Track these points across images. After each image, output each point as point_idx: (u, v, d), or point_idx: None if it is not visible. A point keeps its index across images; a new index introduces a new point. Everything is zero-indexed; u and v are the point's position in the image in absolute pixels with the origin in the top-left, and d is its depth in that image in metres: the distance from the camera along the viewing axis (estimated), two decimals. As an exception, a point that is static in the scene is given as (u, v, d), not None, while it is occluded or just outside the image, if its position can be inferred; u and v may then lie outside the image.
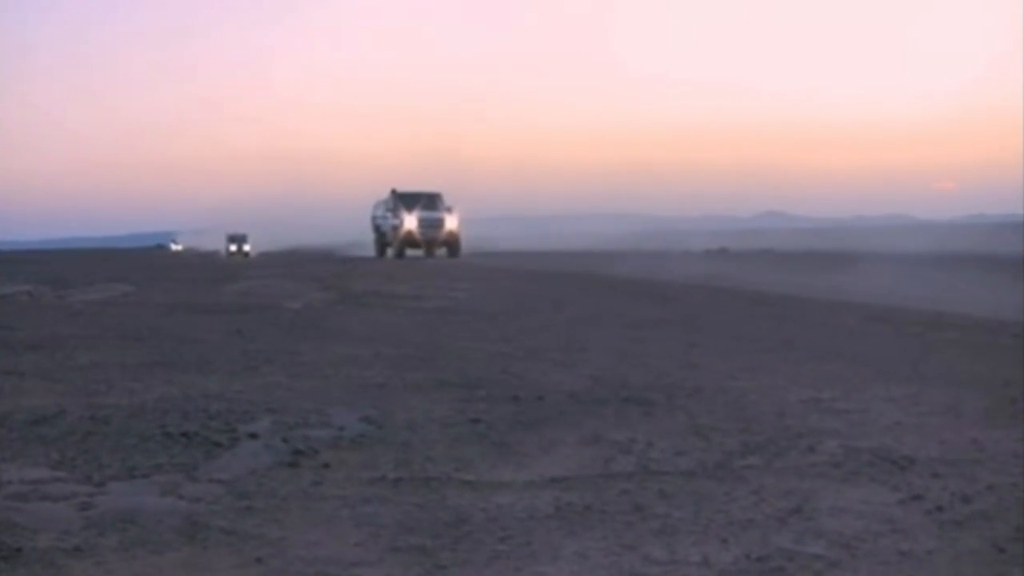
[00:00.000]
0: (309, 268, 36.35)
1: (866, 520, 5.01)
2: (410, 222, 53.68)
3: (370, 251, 59.54)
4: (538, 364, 10.17)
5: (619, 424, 7.23)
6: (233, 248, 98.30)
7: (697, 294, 20.56)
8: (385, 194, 58.49)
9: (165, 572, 4.38)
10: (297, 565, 4.43)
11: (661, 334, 13.12)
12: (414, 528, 4.92)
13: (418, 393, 8.51)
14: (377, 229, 58.39)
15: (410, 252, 54.37)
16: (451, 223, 54.21)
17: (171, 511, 5.19)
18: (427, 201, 55.71)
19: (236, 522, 5.01)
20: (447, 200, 56.72)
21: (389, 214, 55.48)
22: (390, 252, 54.48)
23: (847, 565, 4.41)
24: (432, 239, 53.60)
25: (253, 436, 6.79)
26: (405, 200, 55.67)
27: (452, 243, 54.09)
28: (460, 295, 20.58)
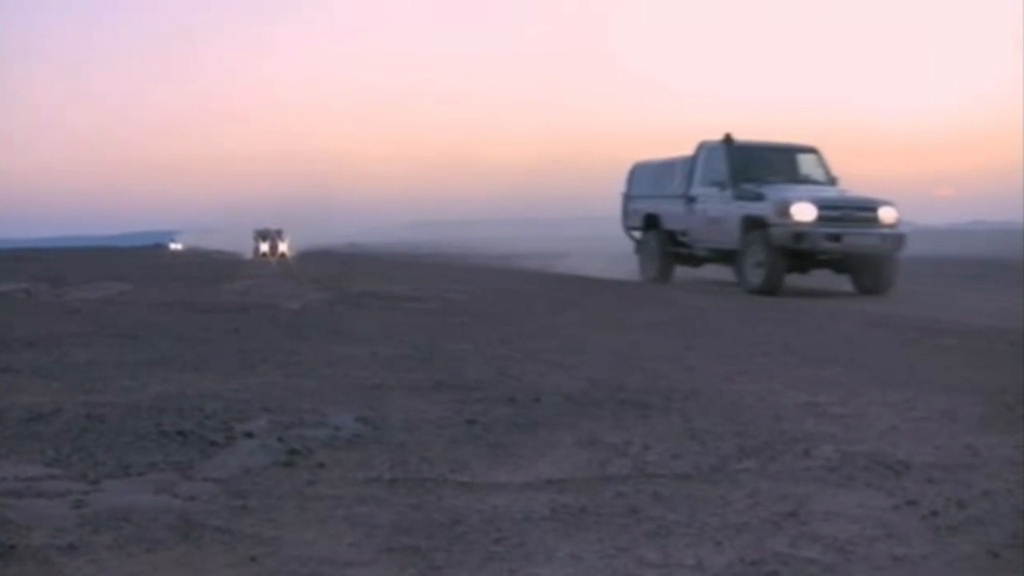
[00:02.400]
0: (308, 268, 36.36)
1: (861, 525, 5.02)
2: (802, 211, 22.00)
3: (575, 265, 33.83)
4: (535, 366, 10.16)
5: (615, 426, 7.23)
6: (264, 248, 79.99)
7: (694, 297, 20.54)
8: (661, 154, 27.78)
9: (159, 570, 4.38)
10: (291, 565, 4.43)
11: (659, 336, 13.12)
12: (409, 529, 4.92)
13: (415, 394, 8.51)
14: (652, 225, 27.17)
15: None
16: (889, 214, 22.58)
17: (166, 509, 5.19)
18: (804, 166, 25.25)
19: (231, 521, 5.01)
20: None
21: (714, 190, 24.39)
22: (754, 281, 22.35)
23: (841, 569, 4.41)
24: (850, 250, 22.20)
25: (249, 435, 6.79)
26: (763, 160, 24.71)
27: (888, 262, 22.77)
28: (458, 296, 20.57)
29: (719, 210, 23.83)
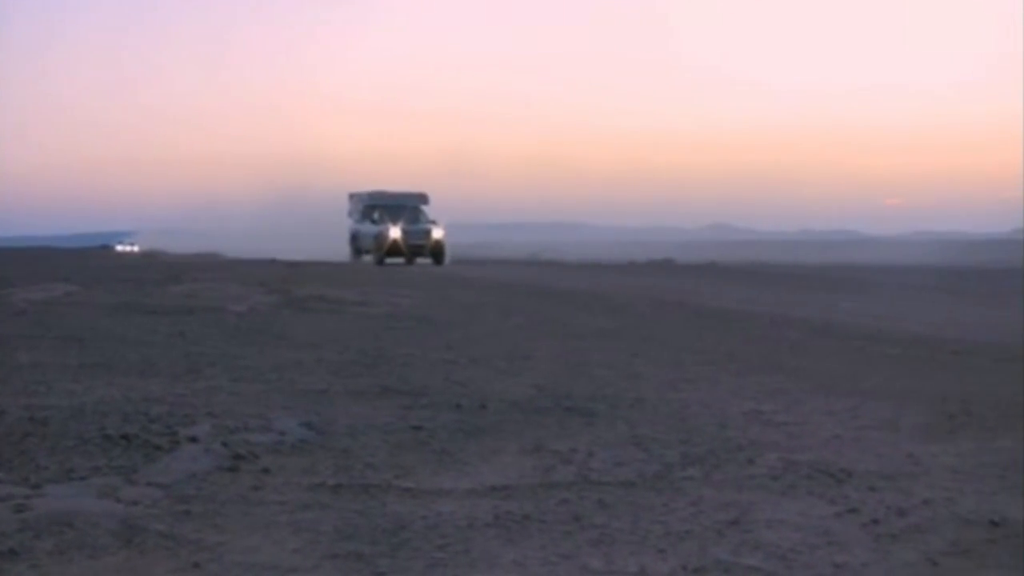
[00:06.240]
0: (255, 271, 36.17)
1: (803, 532, 5.06)
2: None
3: None
4: (481, 372, 10.17)
5: (561, 434, 7.25)
6: (395, 235, 44.00)
7: (641, 305, 20.61)
8: None
9: (101, 576, 4.36)
10: (234, 571, 4.42)
11: (605, 344, 13.15)
12: (353, 535, 4.92)
13: (360, 399, 8.50)
14: None
15: None
16: None
17: (108, 514, 5.16)
18: None
19: (174, 526, 5.00)
20: None
21: None
22: None
23: (782, 577, 4.46)
24: None
25: (193, 440, 6.76)
26: None
27: None
28: (405, 302, 20.53)
29: None
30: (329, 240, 50.03)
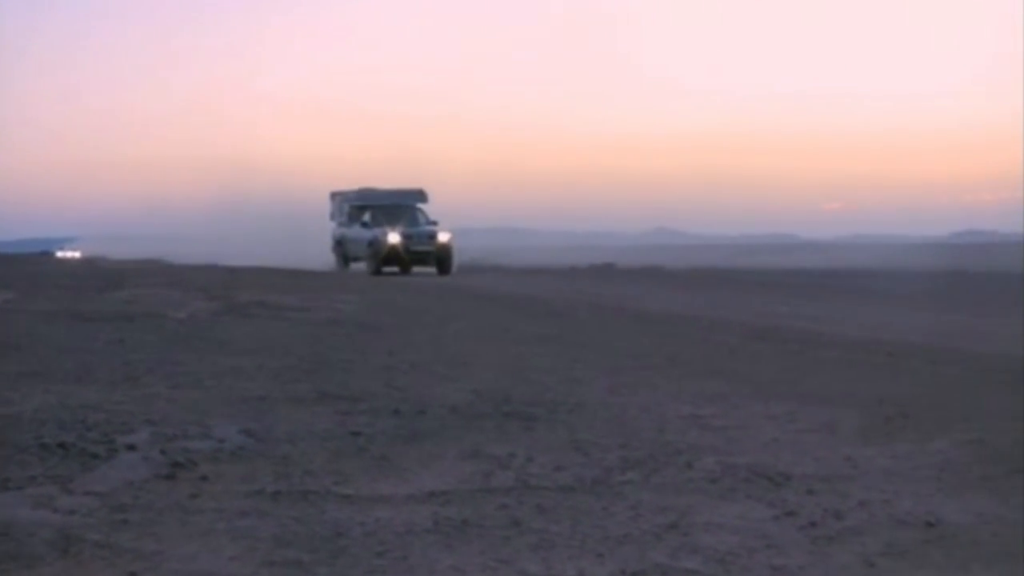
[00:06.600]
0: (197, 277, 35.95)
1: (741, 536, 5.09)
2: None
3: None
4: (421, 377, 10.16)
5: (500, 439, 7.26)
6: (394, 239, 38.11)
7: (582, 310, 20.67)
8: None
9: (36, 586, 4.33)
10: (171, 579, 4.40)
11: (545, 349, 13.17)
12: (291, 542, 4.91)
13: (300, 406, 8.47)
14: None
15: None
16: None
17: (45, 524, 5.12)
18: None
19: (111, 535, 4.96)
20: None
21: None
22: None
23: (720, 580, 4.48)
24: None
25: (131, 448, 6.72)
26: None
27: None
28: (347, 308, 20.48)
29: None
30: (285, 244, 46.87)
